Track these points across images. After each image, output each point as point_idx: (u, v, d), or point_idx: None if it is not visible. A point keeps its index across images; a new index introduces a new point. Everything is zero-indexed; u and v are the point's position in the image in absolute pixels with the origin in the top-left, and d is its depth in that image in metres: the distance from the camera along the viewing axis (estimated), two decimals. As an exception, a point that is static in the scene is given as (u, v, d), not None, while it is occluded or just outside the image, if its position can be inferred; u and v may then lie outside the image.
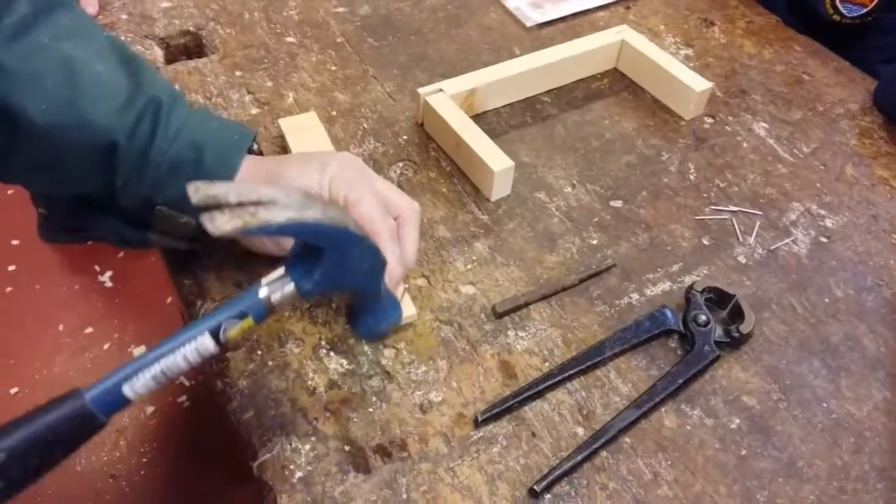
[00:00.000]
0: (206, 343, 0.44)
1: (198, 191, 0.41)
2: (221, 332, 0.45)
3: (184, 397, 1.47)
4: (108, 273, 1.67)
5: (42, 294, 1.62)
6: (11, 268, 1.65)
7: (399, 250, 0.57)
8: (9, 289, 1.62)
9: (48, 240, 1.69)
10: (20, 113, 0.50)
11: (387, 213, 0.56)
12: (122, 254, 1.70)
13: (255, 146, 0.61)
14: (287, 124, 0.72)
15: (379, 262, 0.51)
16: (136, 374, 0.43)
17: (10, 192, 1.77)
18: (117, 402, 0.43)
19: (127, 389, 0.43)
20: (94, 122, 0.52)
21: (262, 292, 0.46)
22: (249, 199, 0.41)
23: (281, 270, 0.47)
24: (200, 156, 0.55)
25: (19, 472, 0.41)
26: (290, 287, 0.46)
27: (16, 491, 0.41)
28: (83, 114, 0.52)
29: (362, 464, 0.53)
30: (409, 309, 0.60)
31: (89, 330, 1.56)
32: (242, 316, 0.45)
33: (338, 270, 0.47)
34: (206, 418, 1.44)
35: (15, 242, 1.70)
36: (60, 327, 1.56)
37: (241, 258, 0.64)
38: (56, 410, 0.42)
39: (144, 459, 1.38)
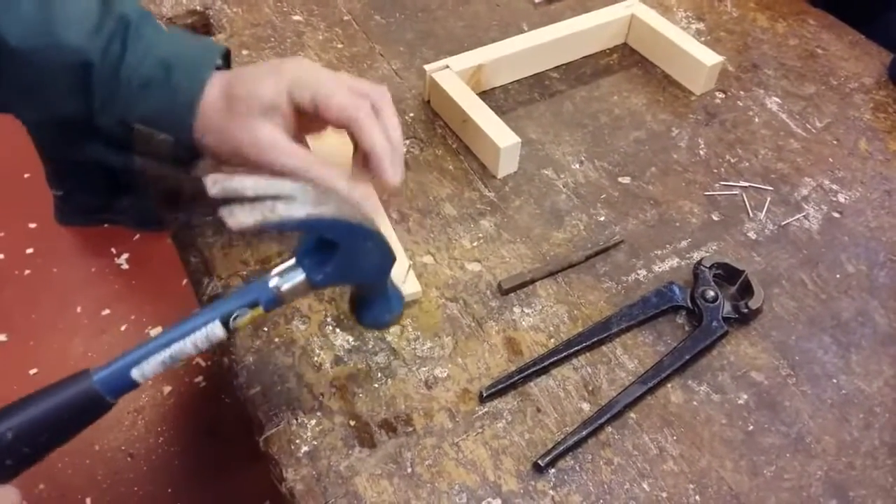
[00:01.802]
0: (215, 330, 0.45)
1: (216, 183, 0.42)
2: (232, 320, 0.45)
3: (200, 377, 1.49)
4: (125, 255, 1.68)
5: (60, 276, 1.64)
6: (29, 251, 1.67)
7: (383, 127, 0.57)
8: (27, 272, 1.64)
9: (65, 223, 1.71)
10: None
11: (360, 98, 0.57)
12: (137, 236, 1.71)
13: (221, 62, 0.61)
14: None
15: (389, 258, 0.51)
16: (145, 359, 0.44)
17: (26, 175, 1.79)
18: (125, 384, 0.44)
19: (135, 373, 0.44)
20: (67, 44, 0.53)
21: (273, 282, 0.46)
22: (267, 193, 0.43)
23: (291, 262, 0.47)
24: (168, 73, 0.55)
25: (28, 449, 0.42)
26: (300, 278, 0.47)
27: (24, 467, 0.42)
28: (57, 36, 0.53)
29: (367, 438, 0.53)
30: (413, 286, 0.60)
31: (106, 312, 1.58)
32: (253, 305, 0.46)
33: (350, 264, 0.48)
34: (222, 398, 1.46)
35: (32, 226, 1.72)
36: (78, 309, 1.58)
37: (248, 235, 0.64)
38: (64, 391, 0.42)
39: (161, 439, 1.40)
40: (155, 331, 1.55)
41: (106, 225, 1.72)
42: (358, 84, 0.59)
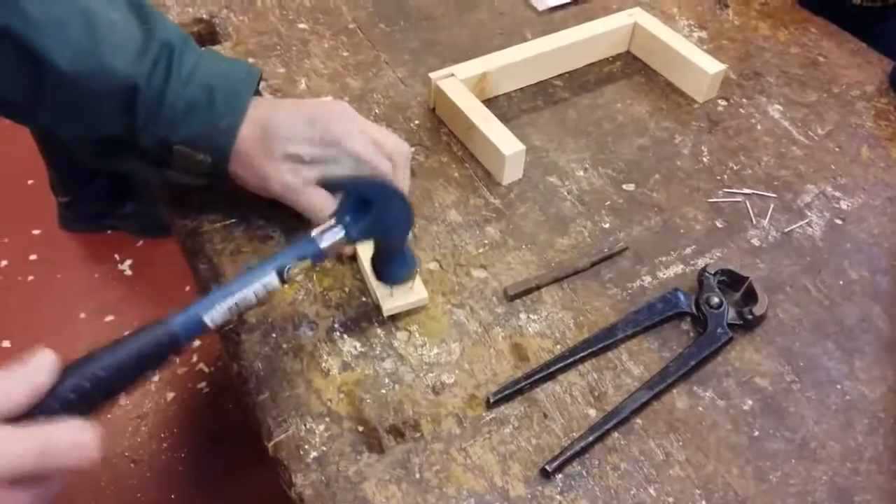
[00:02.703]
0: (272, 281, 0.50)
1: None
2: (286, 271, 0.51)
3: (203, 383, 1.49)
4: (128, 261, 1.69)
5: (63, 282, 1.64)
6: (33, 257, 1.68)
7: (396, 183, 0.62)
8: (30, 277, 1.64)
9: (68, 229, 1.71)
10: (45, 59, 0.53)
11: (381, 156, 0.62)
12: (141, 243, 1.72)
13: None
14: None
15: (411, 214, 0.56)
16: (214, 306, 0.48)
17: (30, 182, 1.79)
18: (198, 328, 0.48)
19: (207, 318, 0.48)
20: (115, 69, 0.55)
21: (317, 238, 0.52)
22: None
23: (331, 221, 0.53)
24: (212, 96, 0.58)
25: (113, 387, 0.45)
26: (340, 234, 0.53)
27: (96, 410, 0.44)
28: (104, 60, 0.55)
29: (376, 444, 0.53)
30: (420, 292, 0.61)
31: (110, 318, 1.58)
32: (302, 258, 0.51)
33: (381, 219, 0.54)
34: (225, 404, 1.46)
35: (36, 232, 1.72)
36: (81, 315, 1.58)
37: (256, 241, 0.65)
38: (146, 335, 0.46)
39: (165, 445, 1.40)
40: (158, 337, 1.55)
41: (109, 231, 1.72)
42: (383, 138, 0.63)
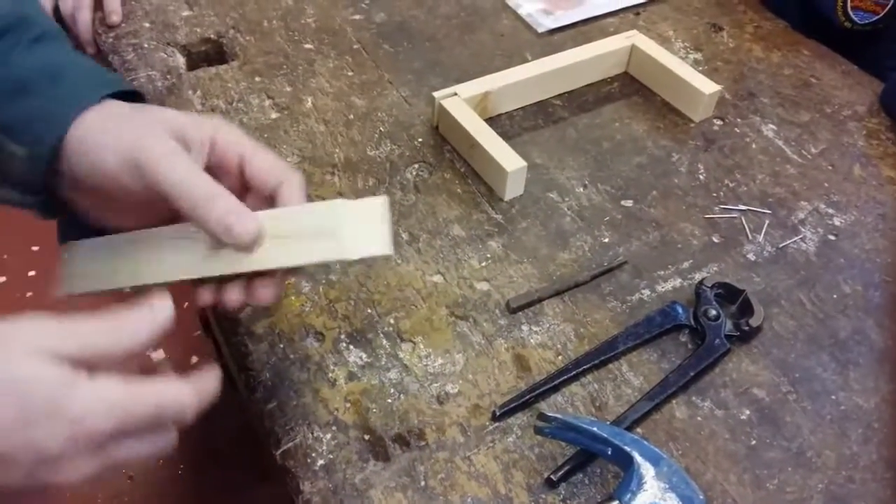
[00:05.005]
0: None
1: None
2: None
3: (201, 400, 1.49)
4: (127, 279, 1.69)
5: (62, 300, 1.64)
6: (32, 273, 1.68)
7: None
8: (29, 294, 1.65)
9: (68, 246, 1.72)
10: None
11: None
12: (140, 260, 1.72)
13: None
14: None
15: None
16: None
17: (30, 199, 1.80)
18: None
19: None
20: None
21: None
22: None
23: None
24: (53, 83, 0.47)
25: None
26: None
27: None
28: None
29: (382, 452, 0.55)
30: (381, 240, 0.47)
31: (108, 334, 1.58)
32: None
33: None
34: (222, 421, 1.46)
35: (35, 248, 1.73)
36: (80, 332, 1.58)
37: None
38: None
39: (162, 461, 1.40)
40: (156, 354, 1.55)
41: (109, 248, 1.73)
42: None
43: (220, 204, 0.46)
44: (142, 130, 0.46)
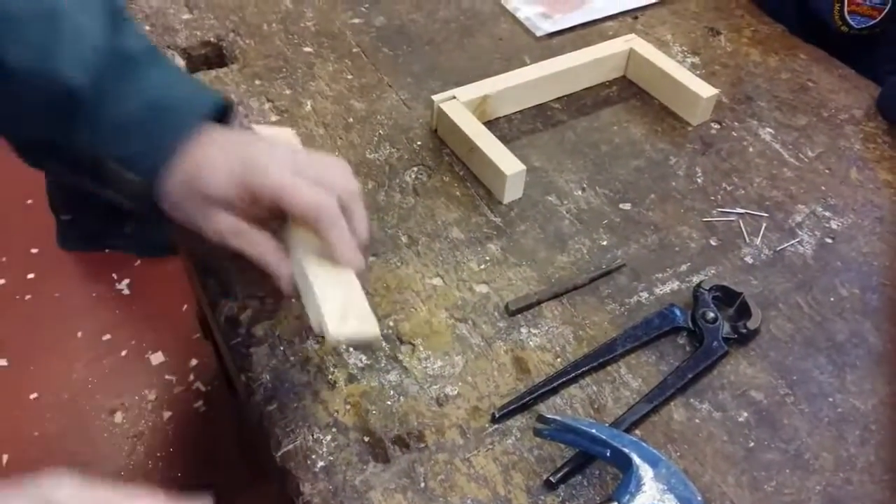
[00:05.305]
0: None
1: None
2: None
3: (200, 402, 1.49)
4: (126, 281, 1.70)
5: (61, 302, 1.65)
6: (31, 276, 1.68)
7: (350, 226, 0.56)
8: (28, 296, 1.65)
9: (67, 248, 1.72)
10: None
11: (325, 198, 0.54)
12: (139, 262, 1.73)
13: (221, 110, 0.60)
14: (261, 131, 0.69)
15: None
16: None
17: (29, 201, 1.80)
18: None
19: None
20: (62, 72, 0.52)
21: None
22: None
23: None
24: (158, 116, 0.54)
25: None
26: None
27: None
28: (55, 63, 0.52)
29: (381, 454, 0.55)
30: (369, 323, 0.54)
31: (107, 337, 1.58)
32: None
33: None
34: (221, 423, 1.46)
35: (34, 251, 1.73)
36: (79, 334, 1.58)
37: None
38: None
39: (161, 464, 1.40)
40: (155, 356, 1.56)
41: (107, 251, 1.73)
42: (327, 173, 0.57)
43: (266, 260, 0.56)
44: (199, 218, 0.56)
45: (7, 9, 0.52)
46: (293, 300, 0.63)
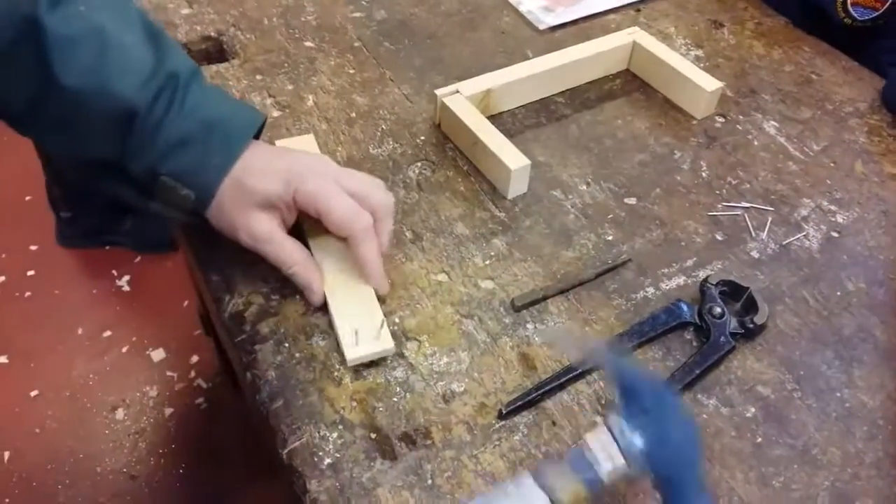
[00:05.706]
0: None
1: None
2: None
3: (201, 399, 1.49)
4: (126, 277, 1.69)
5: (61, 298, 1.64)
6: (31, 273, 1.68)
7: (377, 243, 0.61)
8: (28, 293, 1.64)
9: (66, 245, 1.72)
10: (51, 73, 0.54)
11: (360, 212, 0.60)
12: (138, 259, 1.72)
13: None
14: (283, 144, 0.74)
15: (692, 442, 0.48)
16: None
17: (28, 198, 1.80)
18: None
19: None
20: (118, 92, 0.55)
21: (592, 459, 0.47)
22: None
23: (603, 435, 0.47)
24: (209, 133, 0.58)
25: None
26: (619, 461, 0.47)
27: None
28: (109, 83, 0.55)
29: (388, 451, 0.54)
30: (387, 342, 0.59)
31: (107, 333, 1.58)
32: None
33: (657, 440, 0.46)
34: (223, 420, 1.46)
35: (34, 248, 1.73)
36: (79, 331, 1.58)
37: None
38: None
39: (163, 460, 1.40)
40: (156, 353, 1.55)
41: (107, 247, 1.73)
42: (366, 192, 0.61)
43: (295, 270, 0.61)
44: (241, 220, 0.60)
45: (62, 31, 0.54)
46: (297, 296, 0.63)
